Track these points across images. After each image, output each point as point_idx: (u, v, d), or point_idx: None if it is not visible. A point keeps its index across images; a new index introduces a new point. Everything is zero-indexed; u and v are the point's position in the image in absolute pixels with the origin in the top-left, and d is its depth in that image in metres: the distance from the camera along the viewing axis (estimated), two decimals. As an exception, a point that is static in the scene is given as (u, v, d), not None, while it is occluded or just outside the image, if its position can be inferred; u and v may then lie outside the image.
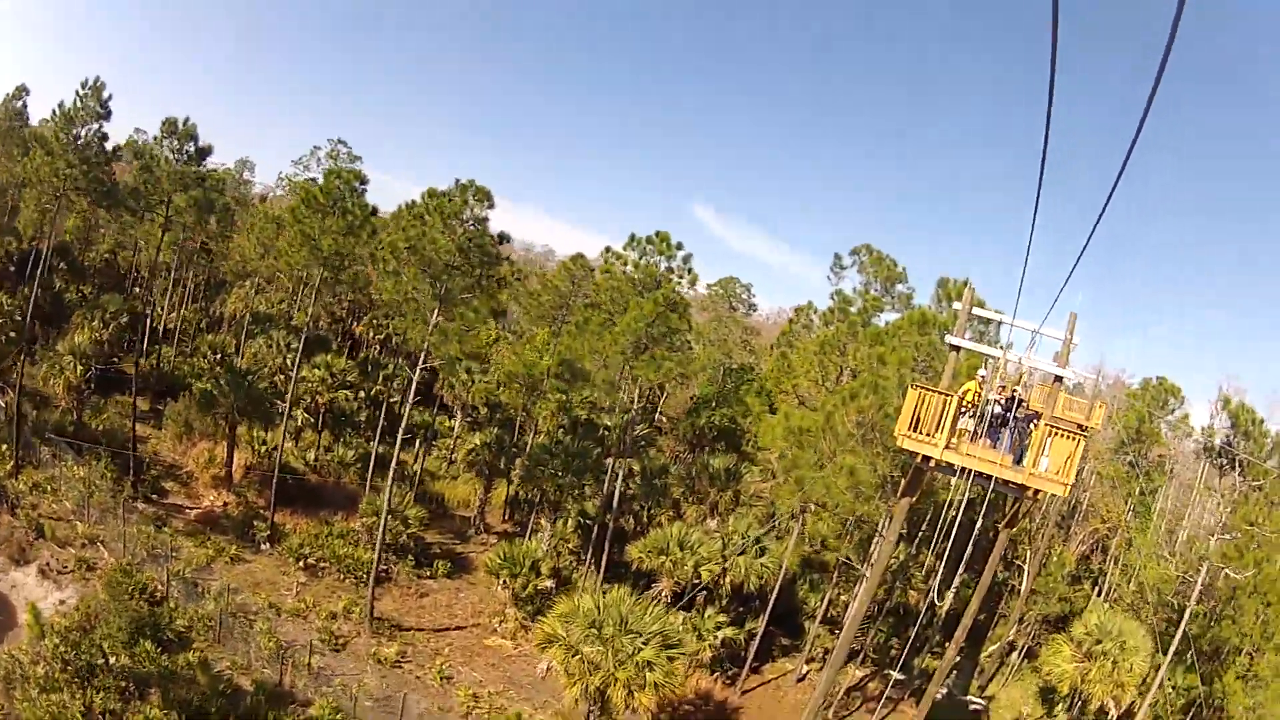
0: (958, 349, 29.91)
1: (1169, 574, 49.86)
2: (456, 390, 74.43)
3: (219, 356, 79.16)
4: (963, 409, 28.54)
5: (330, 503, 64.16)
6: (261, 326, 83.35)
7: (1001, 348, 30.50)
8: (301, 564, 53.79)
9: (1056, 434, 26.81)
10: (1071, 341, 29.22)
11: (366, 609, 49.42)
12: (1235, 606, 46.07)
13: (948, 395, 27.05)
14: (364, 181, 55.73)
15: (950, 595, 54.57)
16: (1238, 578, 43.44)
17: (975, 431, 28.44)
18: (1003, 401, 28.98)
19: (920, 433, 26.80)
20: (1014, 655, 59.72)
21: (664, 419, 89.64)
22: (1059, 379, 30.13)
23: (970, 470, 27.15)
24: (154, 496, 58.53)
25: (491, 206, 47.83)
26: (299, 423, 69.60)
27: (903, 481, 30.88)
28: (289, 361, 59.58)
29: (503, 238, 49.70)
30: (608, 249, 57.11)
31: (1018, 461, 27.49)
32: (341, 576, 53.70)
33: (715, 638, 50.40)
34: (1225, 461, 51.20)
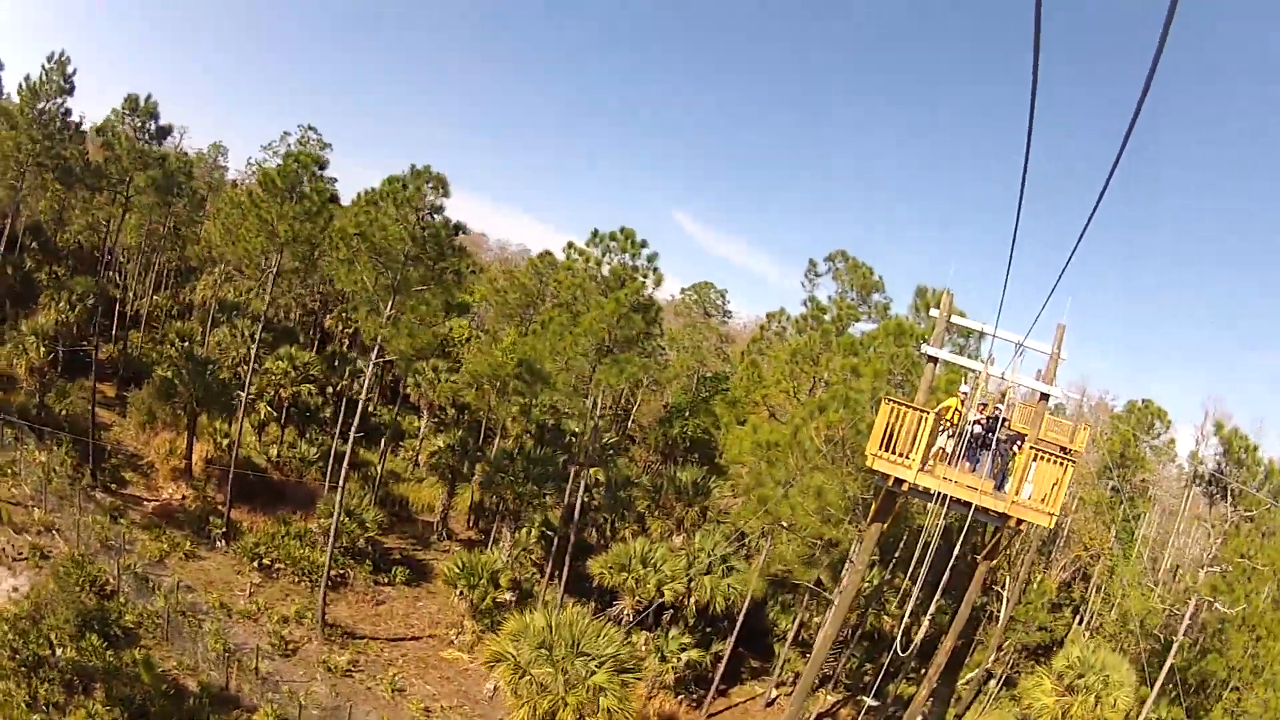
0: (935, 361, 27.25)
1: (1155, 606, 47.03)
2: (423, 389, 71.16)
3: (186, 344, 76.05)
4: (941, 428, 25.96)
5: (291, 501, 61.58)
6: (227, 315, 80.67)
7: (983, 361, 27.43)
8: (256, 564, 51.44)
9: (1041, 459, 24.37)
10: (1059, 355, 26.71)
11: (319, 614, 47.28)
12: (1222, 639, 43.91)
13: (924, 412, 24.45)
14: (323, 165, 53.27)
15: (926, 621, 51.56)
16: (1227, 612, 40.71)
17: (953, 453, 25.58)
18: (984, 421, 26.45)
19: (893, 453, 24.27)
20: (992, 683, 56.74)
21: (637, 427, 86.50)
22: (1044, 397, 27.40)
23: (947, 496, 24.16)
24: (113, 486, 56.30)
25: (446, 194, 45.66)
26: (262, 416, 67.15)
27: (873, 505, 27.85)
28: (253, 352, 56.33)
29: (458, 228, 46.98)
30: (570, 245, 53.70)
31: (999, 487, 25.24)
32: (297, 579, 51.49)
33: (679, 660, 48.01)
34: (1216, 490, 48.12)
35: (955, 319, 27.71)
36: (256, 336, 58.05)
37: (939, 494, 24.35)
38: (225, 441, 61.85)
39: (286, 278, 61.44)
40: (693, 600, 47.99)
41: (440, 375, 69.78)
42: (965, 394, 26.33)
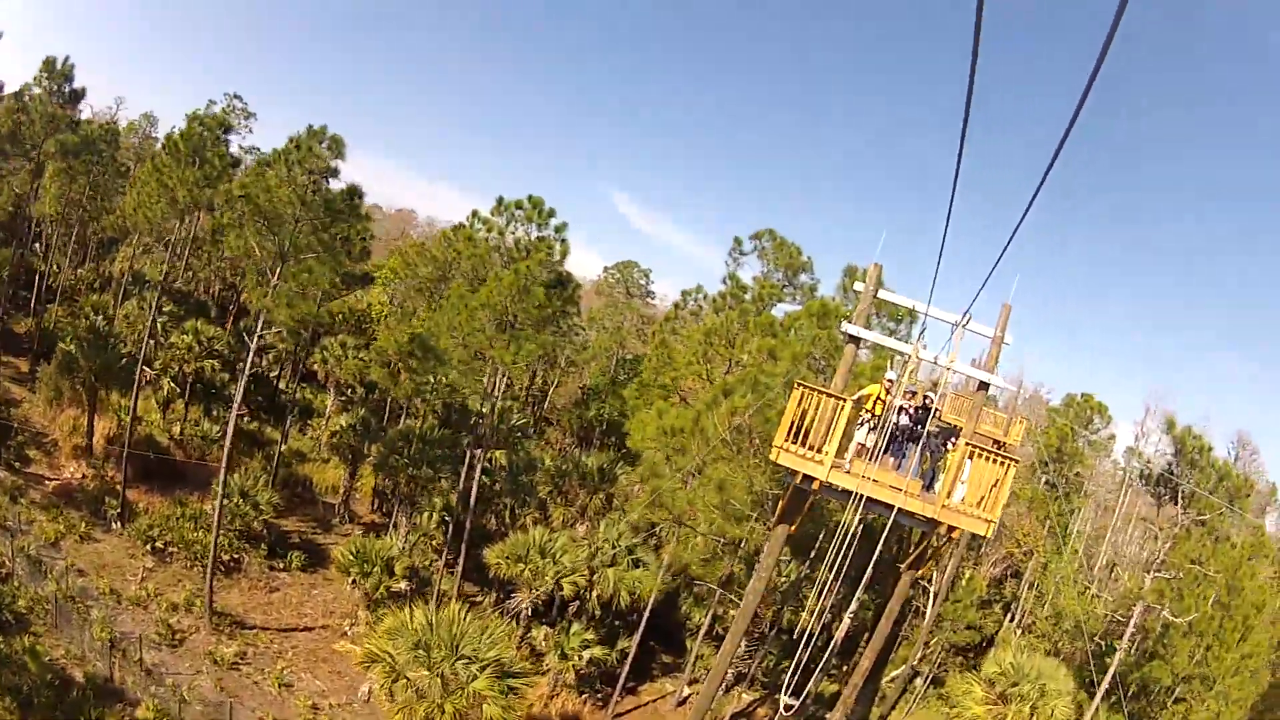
0: (856, 341, 22.78)
1: (1096, 610, 43.03)
2: (330, 366, 66.04)
3: (99, 318, 70.82)
4: (861, 418, 22.10)
5: (191, 481, 57.32)
6: (139, 288, 75.13)
7: (913, 344, 22.90)
8: (149, 547, 47.43)
9: (979, 456, 20.31)
10: (1002, 339, 22.41)
11: (207, 603, 43.48)
12: (1166, 645, 40.43)
13: (841, 400, 20.26)
14: (228, 129, 48.45)
15: (847, 618, 47.32)
16: (1175, 620, 36.96)
17: (875, 447, 21.48)
18: (912, 411, 22.59)
19: (804, 445, 20.25)
20: (918, 681, 52.77)
21: (555, 410, 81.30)
22: (983, 386, 23.00)
23: (864, 497, 19.85)
24: (16, 464, 51.95)
25: (341, 157, 41.42)
26: (166, 393, 62.79)
27: (780, 503, 23.42)
28: (155, 325, 51.60)
29: (353, 192, 42.29)
30: (474, 213, 48.52)
31: (928, 488, 21.57)
32: (190, 563, 47.65)
33: (581, 657, 43.43)
34: (1165, 491, 43.66)
35: (884, 294, 23.30)
36: (153, 307, 54.40)
37: (856, 494, 19.93)
38: (128, 418, 56.54)
39: (203, 250, 56.74)
40: (594, 594, 43.72)
41: (348, 352, 64.80)
42: (891, 380, 22.04)
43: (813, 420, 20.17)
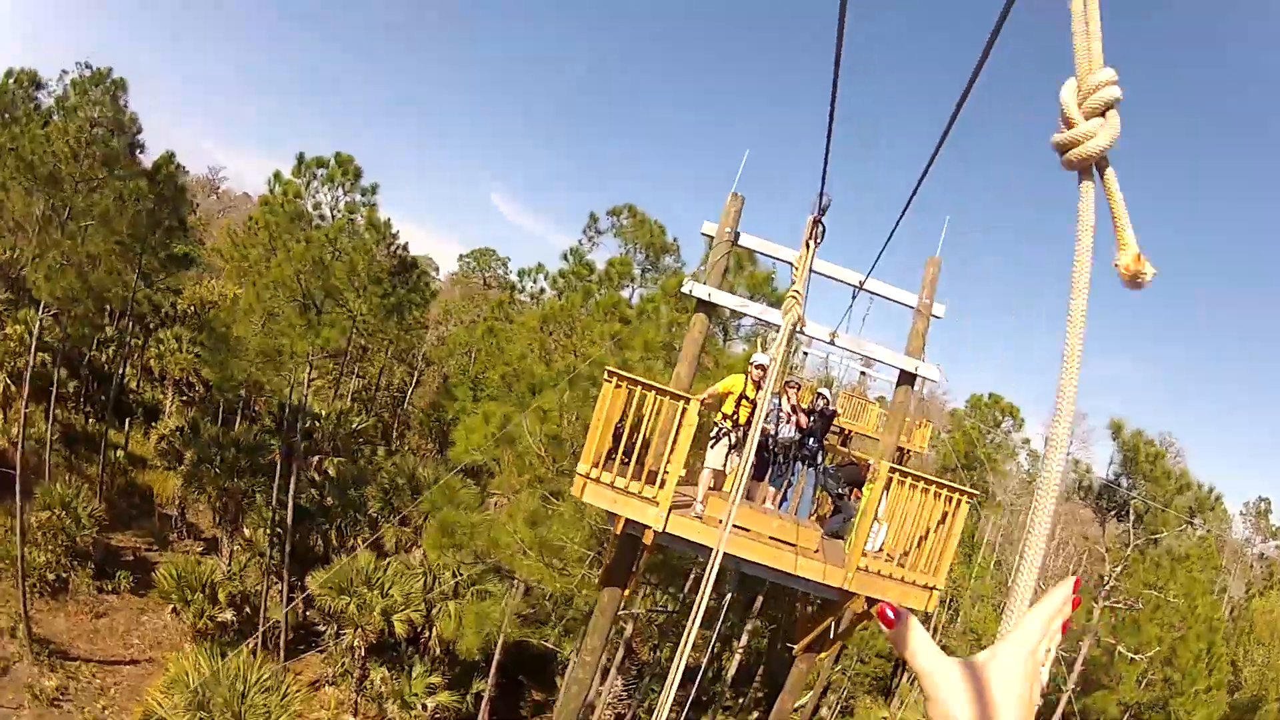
0: (710, 309, 14.04)
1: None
2: (165, 362, 55.64)
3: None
4: (718, 429, 13.40)
5: (26, 490, 46.77)
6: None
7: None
8: None
9: (911, 485, 12.21)
10: (931, 309, 14.07)
11: (26, 629, 36.12)
12: (1112, 675, 32.91)
13: (682, 398, 12.05)
14: (40, 85, 39.18)
15: (740, 649, 38.62)
16: (1134, 657, 29.54)
17: (741, 472, 12.15)
18: (798, 415, 14.52)
19: (626, 473, 11.97)
20: (825, 711, 44.07)
21: (417, 410, 70.65)
22: (908, 379, 14.14)
23: (722, 554, 10.43)
24: None
25: (122, 100, 33.15)
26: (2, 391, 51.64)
27: (606, 555, 14.56)
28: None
29: (134, 145, 33.05)
30: (275, 175, 37.86)
31: (835, 535, 13.97)
32: (15, 583, 38.56)
33: (426, 706, 33.76)
34: (1106, 505, 34.66)
35: (748, 240, 14.28)
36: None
37: (715, 551, 11.17)
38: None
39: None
40: (435, 632, 34.51)
41: (183, 345, 54.54)
42: (762, 368, 12.98)
43: (645, 433, 12.22)
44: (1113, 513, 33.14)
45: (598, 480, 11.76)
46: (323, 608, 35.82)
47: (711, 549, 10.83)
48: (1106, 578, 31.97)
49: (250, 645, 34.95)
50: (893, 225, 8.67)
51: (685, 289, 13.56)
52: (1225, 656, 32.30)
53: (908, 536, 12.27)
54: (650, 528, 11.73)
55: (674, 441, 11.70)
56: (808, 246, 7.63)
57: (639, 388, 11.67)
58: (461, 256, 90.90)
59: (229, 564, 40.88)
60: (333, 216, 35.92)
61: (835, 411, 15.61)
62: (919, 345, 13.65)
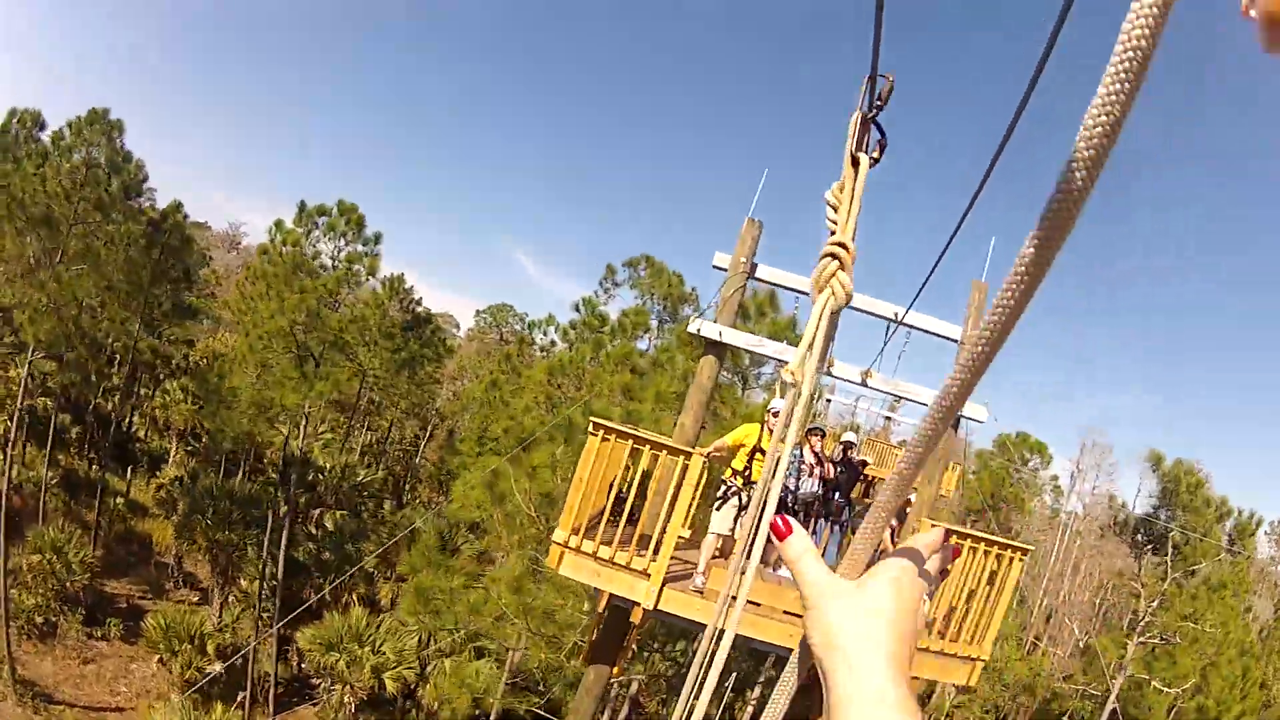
0: (720, 350, 12.00)
1: (1043, 666, 32.38)
2: (169, 411, 53.56)
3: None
4: (726, 487, 10.81)
5: (19, 532, 45.25)
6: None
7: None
8: None
9: (958, 542, 8.18)
10: (974, 336, 11.06)
11: (10, 671, 34.57)
12: (1141, 707, 30.48)
13: (683, 452, 9.76)
14: (43, 126, 38.50)
15: (753, 699, 36.33)
16: (1168, 691, 27.25)
17: (750, 537, 9.71)
18: (821, 464, 11.99)
19: (612, 542, 9.92)
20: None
21: (429, 464, 67.76)
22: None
23: (735, 636, 8.06)
24: None
25: (118, 141, 32.44)
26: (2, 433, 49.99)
27: (591, 631, 12.25)
28: (-4, 358, 41.63)
29: (132, 190, 31.57)
30: (277, 224, 35.72)
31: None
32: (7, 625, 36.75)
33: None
34: (1145, 539, 31.92)
35: (765, 272, 12.04)
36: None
37: (716, 630, 8.83)
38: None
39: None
40: (427, 690, 31.83)
41: (188, 396, 52.64)
42: (777, 415, 10.51)
43: (633, 494, 10.47)
44: (1149, 546, 30.54)
45: (578, 550, 9.68)
46: (312, 663, 33.77)
47: (716, 628, 8.76)
48: (1141, 614, 29.43)
49: (241, 698, 32.95)
50: (939, 249, 6.64)
51: (692, 329, 11.40)
52: (1257, 680, 29.84)
53: (950, 598, 10.15)
54: (639, 604, 9.62)
55: (671, 503, 9.55)
56: (855, 164, 3.50)
57: (630, 441, 9.54)
58: (478, 312, 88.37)
59: (219, 615, 38.74)
60: (334, 267, 33.98)
61: (865, 460, 13.37)
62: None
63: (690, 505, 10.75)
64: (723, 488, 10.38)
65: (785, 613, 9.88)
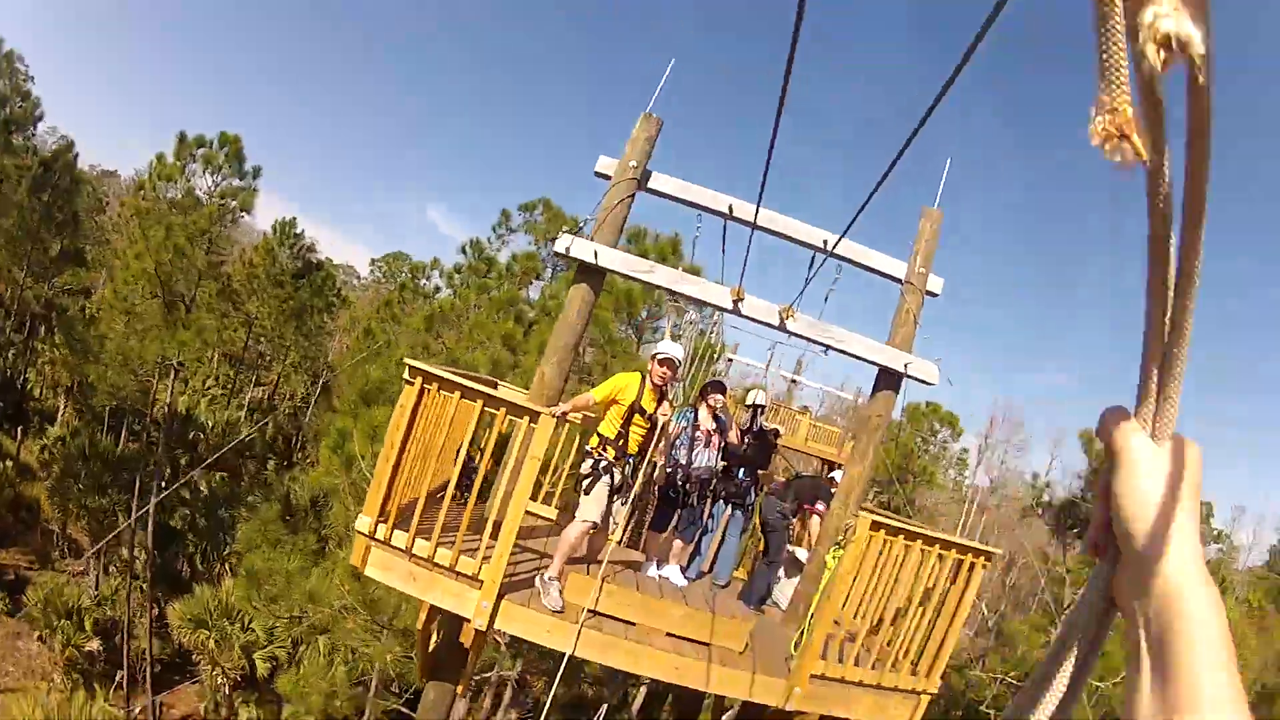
0: (595, 275, 8.43)
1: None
2: (55, 366, 48.62)
3: None
4: (594, 458, 7.22)
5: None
6: None
7: (726, 289, 8.39)
8: None
9: (904, 544, 7.03)
10: (926, 283, 8.78)
11: None
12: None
13: (529, 412, 6.38)
14: None
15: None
16: (1099, 685, 24.82)
17: (626, 520, 7.62)
18: (721, 430, 8.75)
19: (435, 533, 6.50)
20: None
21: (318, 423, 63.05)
22: (891, 380, 8.85)
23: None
24: None
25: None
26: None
27: (423, 643, 8.99)
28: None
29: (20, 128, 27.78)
30: (158, 158, 31.67)
31: (761, 601, 9.19)
32: None
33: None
34: (1071, 520, 29.18)
35: (659, 182, 8.75)
36: None
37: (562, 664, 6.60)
38: None
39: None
40: (315, 664, 27.32)
41: (75, 348, 48.06)
42: (668, 362, 7.33)
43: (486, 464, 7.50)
44: (1074, 530, 27.90)
45: (386, 543, 6.57)
46: (183, 640, 29.71)
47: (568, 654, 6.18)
48: (1067, 602, 26.78)
49: (120, 678, 29.14)
50: (886, 162, 4.01)
51: (560, 247, 8.19)
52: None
53: (876, 608, 7.38)
54: (469, 622, 6.55)
55: (511, 482, 6.49)
56: None
57: (456, 393, 6.41)
58: (374, 261, 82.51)
59: (97, 588, 34.54)
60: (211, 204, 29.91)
61: (777, 430, 10.27)
62: (909, 333, 8.46)
63: (557, 482, 7.75)
64: (589, 461, 7.16)
65: (669, 635, 6.87)
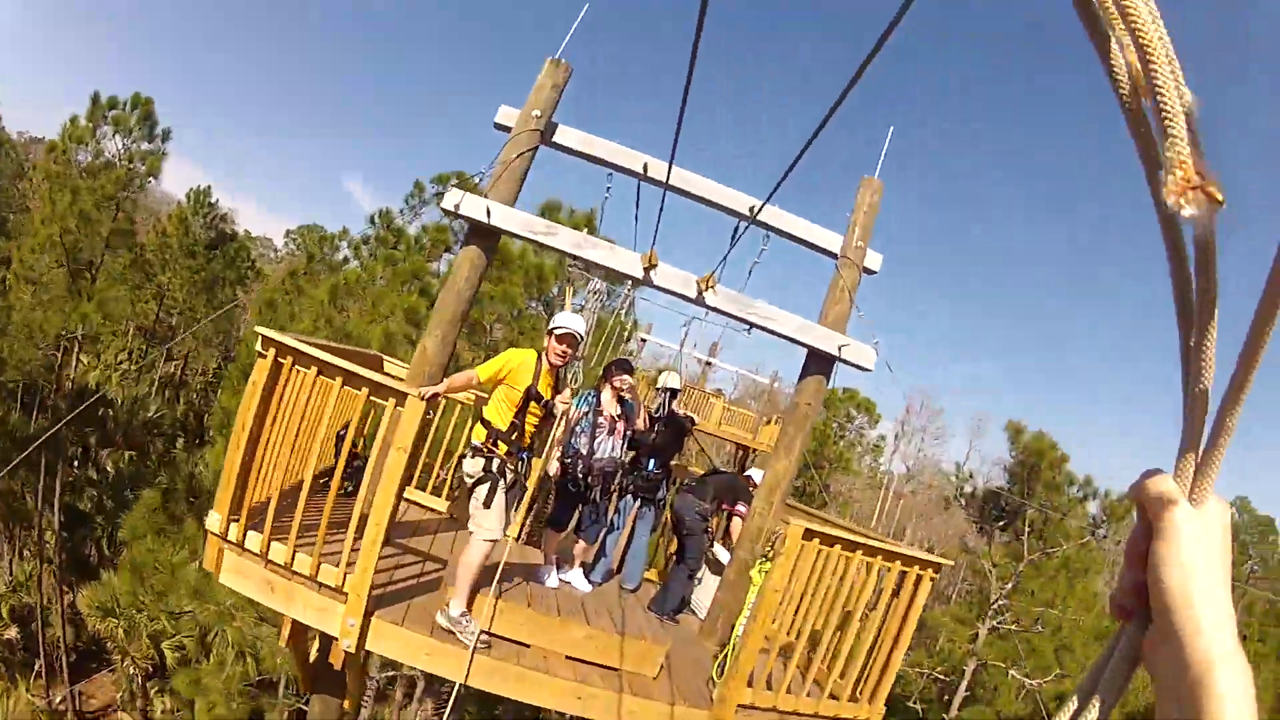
0: (489, 237, 7.22)
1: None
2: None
3: None
4: (489, 455, 5.77)
5: None
6: None
7: (639, 257, 7.24)
8: None
9: (840, 555, 5.97)
10: (863, 258, 7.64)
11: None
12: (989, 690, 26.63)
13: (394, 393, 5.27)
14: None
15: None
16: (1031, 685, 24.29)
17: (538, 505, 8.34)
18: (626, 416, 7.46)
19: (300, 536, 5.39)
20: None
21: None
22: (819, 361, 7.69)
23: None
24: None
25: None
26: None
27: (296, 655, 7.80)
28: None
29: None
30: (71, 120, 29.41)
31: (676, 610, 7.92)
32: None
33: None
34: (992, 510, 28.08)
35: (565, 136, 7.65)
36: None
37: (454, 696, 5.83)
38: None
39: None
40: (213, 662, 25.58)
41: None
42: (568, 336, 6.04)
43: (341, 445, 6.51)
44: (1000, 522, 26.83)
45: (240, 545, 5.44)
46: (92, 629, 27.71)
47: (458, 683, 4.96)
48: (994, 596, 25.78)
49: (38, 668, 27.32)
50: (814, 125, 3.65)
51: (448, 203, 7.01)
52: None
53: (810, 627, 6.30)
54: (337, 640, 5.43)
55: (376, 476, 5.37)
56: None
57: (313, 366, 5.25)
58: (288, 232, 78.97)
59: (11, 573, 32.25)
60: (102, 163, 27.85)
61: (691, 417, 9.16)
62: (844, 311, 7.40)
63: (398, 479, 6.71)
64: (478, 460, 5.79)
65: (569, 658, 5.76)
